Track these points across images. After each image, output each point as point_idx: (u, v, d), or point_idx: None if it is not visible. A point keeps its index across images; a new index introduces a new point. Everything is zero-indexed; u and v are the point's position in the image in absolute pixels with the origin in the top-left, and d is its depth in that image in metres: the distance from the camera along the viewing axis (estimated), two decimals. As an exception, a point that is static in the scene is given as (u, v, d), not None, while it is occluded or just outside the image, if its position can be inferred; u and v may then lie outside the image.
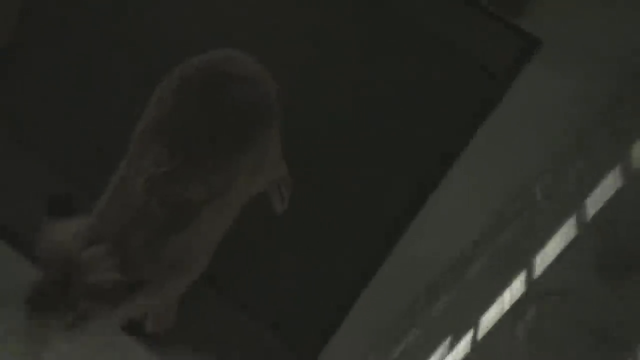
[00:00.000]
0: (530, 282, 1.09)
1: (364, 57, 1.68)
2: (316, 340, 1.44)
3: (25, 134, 1.56)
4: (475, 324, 1.11)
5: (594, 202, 1.28)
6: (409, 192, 1.55)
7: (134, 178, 1.08)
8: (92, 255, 0.99)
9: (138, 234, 1.03)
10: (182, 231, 1.06)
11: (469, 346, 1.06)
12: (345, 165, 1.57)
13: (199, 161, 1.08)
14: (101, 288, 0.99)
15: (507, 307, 1.07)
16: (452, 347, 1.12)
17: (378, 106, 1.64)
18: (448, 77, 1.67)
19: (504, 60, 1.69)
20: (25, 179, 1.52)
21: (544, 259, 1.14)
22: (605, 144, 1.40)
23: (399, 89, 1.65)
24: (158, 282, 1.08)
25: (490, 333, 1.04)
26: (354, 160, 1.58)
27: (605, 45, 1.71)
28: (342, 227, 1.52)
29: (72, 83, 1.62)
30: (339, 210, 1.53)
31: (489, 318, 1.09)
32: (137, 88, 1.59)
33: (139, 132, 1.16)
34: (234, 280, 1.47)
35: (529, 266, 1.14)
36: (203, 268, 1.18)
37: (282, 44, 1.67)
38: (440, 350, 1.15)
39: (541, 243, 1.20)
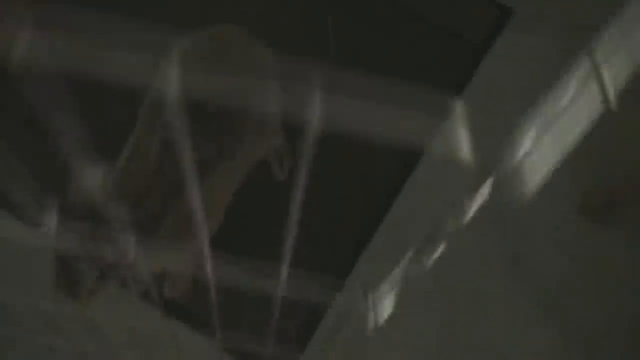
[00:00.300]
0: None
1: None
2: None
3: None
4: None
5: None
6: (399, 159, 1.66)
7: (149, 138, 1.18)
8: (115, 212, 1.08)
9: (156, 190, 1.13)
10: (196, 188, 1.16)
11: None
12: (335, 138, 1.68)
13: (207, 121, 1.19)
14: (122, 245, 1.08)
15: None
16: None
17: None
18: (422, 49, 1.79)
19: (477, 31, 1.81)
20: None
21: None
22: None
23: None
24: (175, 237, 1.18)
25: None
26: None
27: (582, 14, 1.83)
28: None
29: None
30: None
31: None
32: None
33: (147, 101, 1.27)
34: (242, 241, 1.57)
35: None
36: (217, 223, 1.28)
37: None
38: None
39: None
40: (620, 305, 1.54)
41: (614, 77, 1.71)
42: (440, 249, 1.58)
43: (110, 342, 1.33)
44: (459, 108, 1.67)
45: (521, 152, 1.69)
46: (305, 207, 1.57)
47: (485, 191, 1.65)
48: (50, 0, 1.75)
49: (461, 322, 1.51)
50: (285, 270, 1.50)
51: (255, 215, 1.59)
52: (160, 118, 1.22)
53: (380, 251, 1.55)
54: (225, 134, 1.20)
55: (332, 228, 1.59)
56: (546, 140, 1.71)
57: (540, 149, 1.71)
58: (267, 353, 1.28)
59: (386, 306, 1.51)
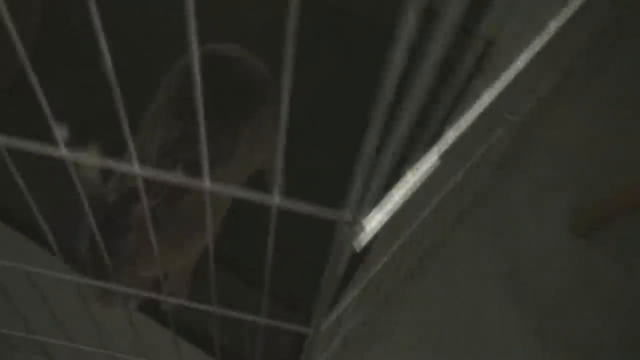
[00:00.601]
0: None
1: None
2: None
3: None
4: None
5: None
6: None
7: (149, 145, 1.22)
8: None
9: (157, 194, 1.15)
10: (195, 191, 1.19)
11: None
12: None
13: (206, 125, 1.23)
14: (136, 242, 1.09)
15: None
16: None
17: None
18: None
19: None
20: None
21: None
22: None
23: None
24: (177, 239, 1.20)
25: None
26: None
27: None
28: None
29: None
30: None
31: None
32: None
33: (149, 113, 1.31)
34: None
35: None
36: (217, 227, 1.31)
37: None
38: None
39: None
40: (611, 318, 1.57)
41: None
42: (436, 265, 1.61)
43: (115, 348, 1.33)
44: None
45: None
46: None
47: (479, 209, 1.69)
48: None
49: (457, 336, 1.53)
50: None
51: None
52: (160, 121, 1.26)
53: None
54: (222, 136, 1.24)
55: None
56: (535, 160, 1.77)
57: (529, 167, 1.76)
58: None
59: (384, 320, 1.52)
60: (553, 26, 0.80)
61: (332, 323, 1.14)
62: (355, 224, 0.51)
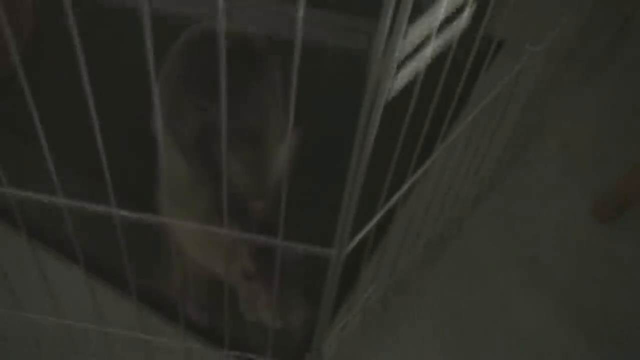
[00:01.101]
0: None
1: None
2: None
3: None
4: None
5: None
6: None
7: (181, 129, 1.16)
8: None
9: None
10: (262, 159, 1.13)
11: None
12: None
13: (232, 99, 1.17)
14: None
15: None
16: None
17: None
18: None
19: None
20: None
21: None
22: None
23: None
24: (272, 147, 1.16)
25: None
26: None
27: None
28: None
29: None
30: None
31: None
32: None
33: (162, 84, 1.27)
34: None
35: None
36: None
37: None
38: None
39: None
40: (636, 303, 1.49)
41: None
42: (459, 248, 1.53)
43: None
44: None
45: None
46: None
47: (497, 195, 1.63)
48: None
49: (480, 321, 1.44)
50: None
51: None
52: (181, 101, 1.22)
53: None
54: (247, 109, 1.20)
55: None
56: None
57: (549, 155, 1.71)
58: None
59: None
60: None
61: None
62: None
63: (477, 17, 0.70)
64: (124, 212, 0.77)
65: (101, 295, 1.30)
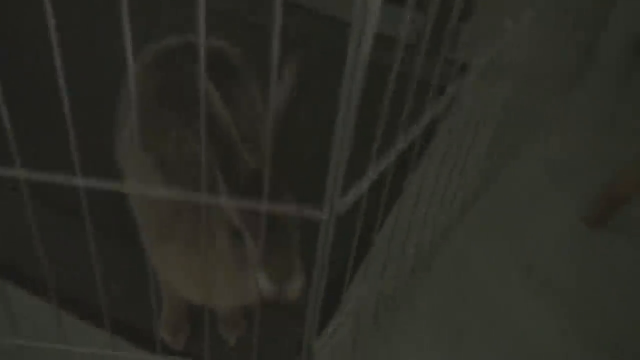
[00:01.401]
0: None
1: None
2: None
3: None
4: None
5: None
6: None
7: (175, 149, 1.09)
8: None
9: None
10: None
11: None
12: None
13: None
14: None
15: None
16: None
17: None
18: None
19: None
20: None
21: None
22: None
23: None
24: None
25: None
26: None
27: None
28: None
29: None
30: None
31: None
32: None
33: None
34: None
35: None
36: None
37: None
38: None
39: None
40: (634, 305, 1.43)
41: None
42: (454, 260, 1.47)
43: None
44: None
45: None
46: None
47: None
48: None
49: (478, 321, 1.36)
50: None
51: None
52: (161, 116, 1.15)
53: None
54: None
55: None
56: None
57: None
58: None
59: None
60: None
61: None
62: None
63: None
64: (90, 181, 0.70)
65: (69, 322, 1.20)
